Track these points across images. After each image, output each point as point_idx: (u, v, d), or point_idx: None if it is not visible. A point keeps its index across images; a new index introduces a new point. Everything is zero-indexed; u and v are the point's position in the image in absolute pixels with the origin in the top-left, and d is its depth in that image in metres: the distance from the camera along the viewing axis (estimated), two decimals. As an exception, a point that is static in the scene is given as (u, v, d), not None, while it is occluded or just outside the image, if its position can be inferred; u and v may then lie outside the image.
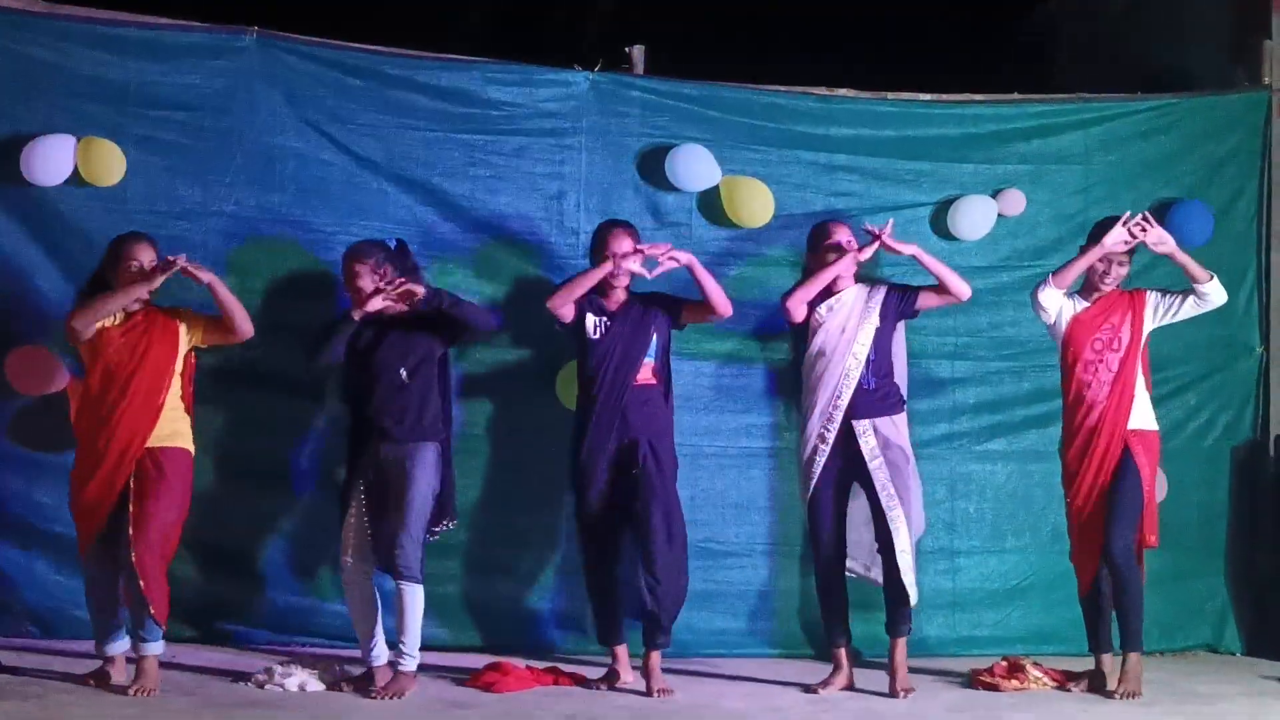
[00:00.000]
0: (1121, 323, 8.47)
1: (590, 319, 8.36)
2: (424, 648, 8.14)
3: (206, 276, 7.88)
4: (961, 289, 8.42)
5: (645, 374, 8.32)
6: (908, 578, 8.25)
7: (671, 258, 8.30)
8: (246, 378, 8.79)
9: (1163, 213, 9.61)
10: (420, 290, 8.02)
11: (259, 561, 8.94)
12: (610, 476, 8.27)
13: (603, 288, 8.41)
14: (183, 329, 7.91)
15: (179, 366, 7.90)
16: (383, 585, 8.12)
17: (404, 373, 8.05)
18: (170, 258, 7.81)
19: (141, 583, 7.66)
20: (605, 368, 8.29)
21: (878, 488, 8.25)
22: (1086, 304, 8.50)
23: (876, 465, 8.27)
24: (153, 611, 7.69)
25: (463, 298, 8.28)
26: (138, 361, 7.79)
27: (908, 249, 8.39)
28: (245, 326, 8.00)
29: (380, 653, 8.00)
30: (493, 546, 9.08)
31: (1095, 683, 8.43)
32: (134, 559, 7.65)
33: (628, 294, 8.43)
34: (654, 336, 8.34)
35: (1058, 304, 8.43)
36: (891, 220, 8.50)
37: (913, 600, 8.30)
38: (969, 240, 9.55)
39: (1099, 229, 8.49)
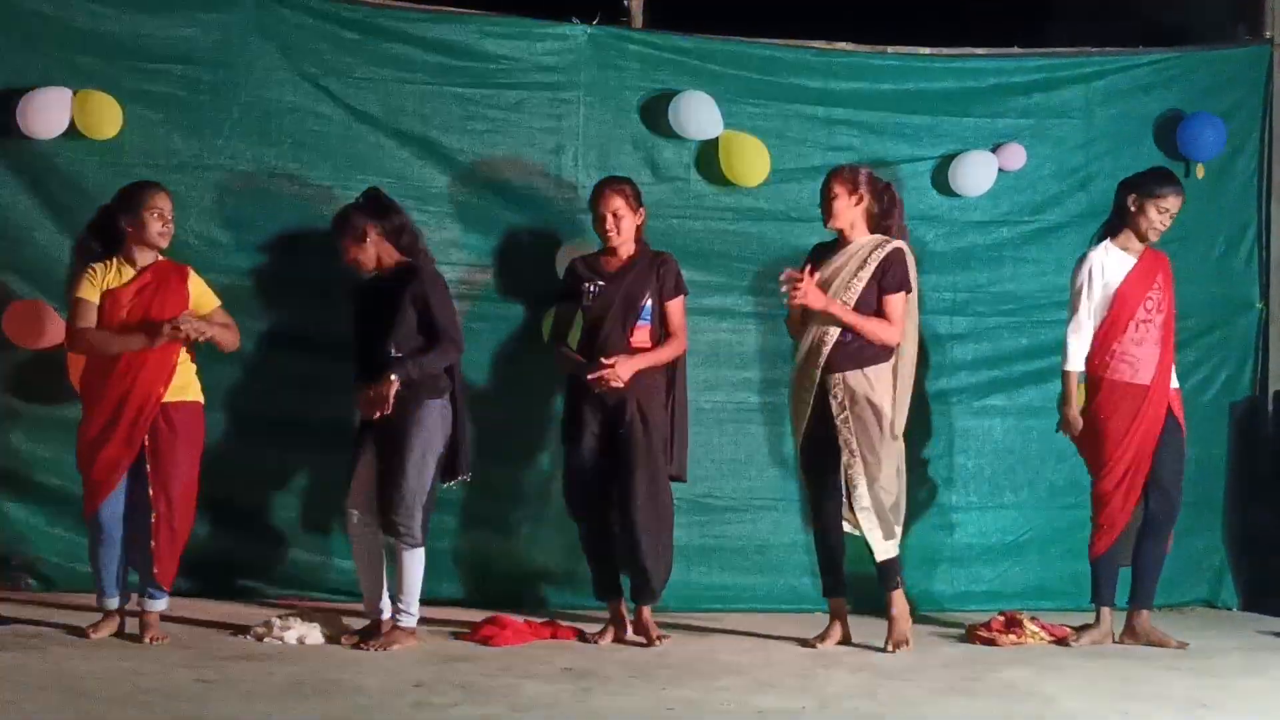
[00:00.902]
0: (1163, 284, 8.48)
1: (585, 285, 8.32)
2: (421, 602, 8.16)
3: (205, 336, 7.82)
4: (888, 340, 8.20)
5: (640, 337, 8.25)
6: (872, 535, 8.18)
7: (616, 382, 8.13)
8: (248, 333, 8.80)
9: (1173, 126, 9.62)
10: (395, 382, 7.89)
11: (267, 516, 8.94)
12: (601, 434, 8.25)
13: (604, 249, 8.36)
14: (192, 295, 7.89)
15: None
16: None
17: (393, 349, 8.00)
18: (177, 327, 7.72)
19: (153, 543, 7.72)
20: (598, 330, 8.26)
21: (840, 442, 8.19)
22: (1131, 258, 8.45)
23: (842, 420, 8.20)
24: (156, 573, 7.76)
25: (427, 355, 7.96)
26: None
27: (818, 305, 8.11)
28: (235, 346, 8.06)
29: (387, 605, 8.02)
30: (486, 501, 9.07)
31: (1101, 636, 8.47)
32: (153, 520, 7.72)
33: (635, 251, 8.33)
34: (648, 301, 8.27)
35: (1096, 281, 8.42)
36: (815, 274, 8.19)
37: (879, 556, 8.18)
38: (970, 196, 9.53)
39: (1127, 186, 8.46)
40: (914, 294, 8.30)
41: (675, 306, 8.30)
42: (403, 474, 7.91)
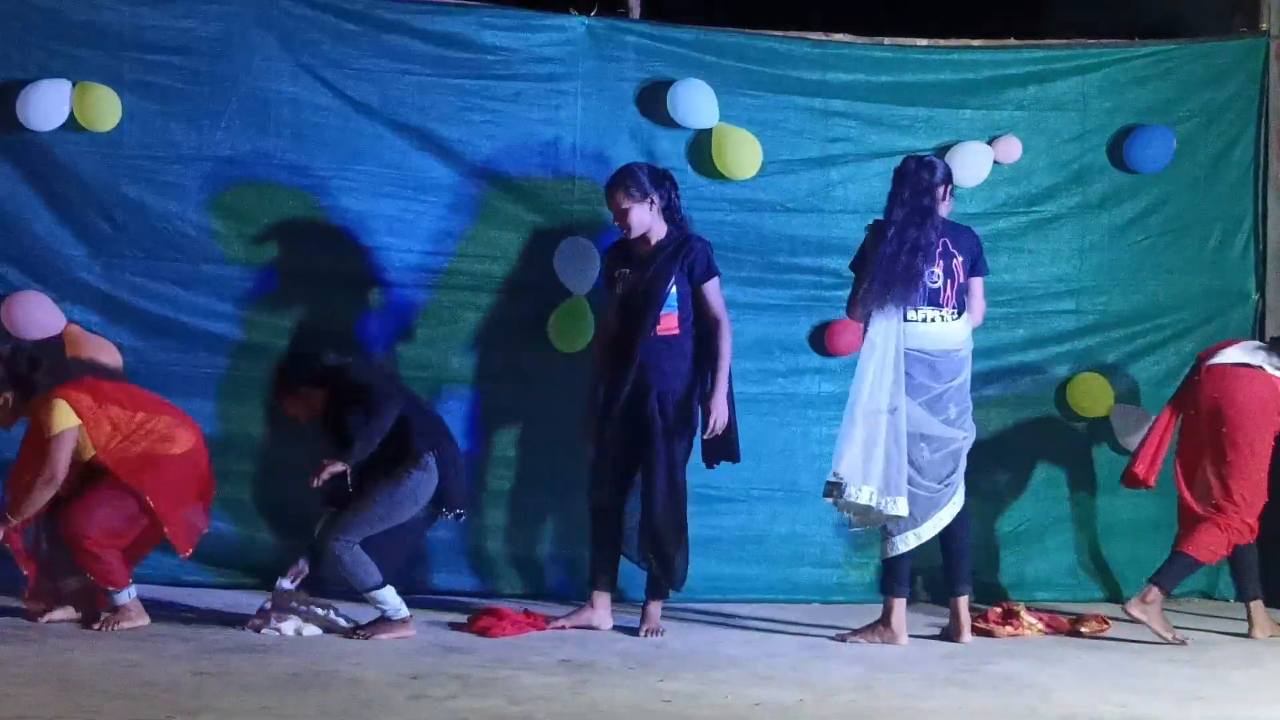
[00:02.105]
0: None
1: (616, 272, 8.36)
2: (423, 592, 8.17)
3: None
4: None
5: (667, 324, 8.24)
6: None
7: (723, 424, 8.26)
8: (247, 324, 8.82)
9: (1123, 138, 9.62)
10: (335, 467, 7.95)
11: (267, 509, 8.95)
12: (623, 420, 8.26)
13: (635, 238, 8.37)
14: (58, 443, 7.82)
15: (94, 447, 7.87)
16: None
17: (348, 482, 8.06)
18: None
19: (81, 561, 7.83)
20: (624, 318, 8.28)
21: None
22: None
23: None
24: (102, 587, 7.85)
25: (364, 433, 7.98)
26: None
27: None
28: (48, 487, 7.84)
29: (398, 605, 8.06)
30: (489, 492, 9.09)
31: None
32: (69, 544, 7.84)
33: (666, 235, 8.31)
34: (673, 288, 8.25)
35: None
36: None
37: None
38: (965, 187, 9.53)
39: None
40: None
41: (710, 289, 8.28)
42: (360, 510, 7.93)
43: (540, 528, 9.15)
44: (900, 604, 8.23)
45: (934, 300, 8.21)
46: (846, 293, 9.17)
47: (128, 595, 7.85)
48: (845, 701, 6.91)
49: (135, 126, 8.73)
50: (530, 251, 9.11)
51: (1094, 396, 9.50)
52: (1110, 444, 9.55)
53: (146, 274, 8.75)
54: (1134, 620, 8.37)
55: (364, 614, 8.10)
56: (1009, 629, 8.52)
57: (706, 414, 8.23)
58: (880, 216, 8.42)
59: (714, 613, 8.81)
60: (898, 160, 9.28)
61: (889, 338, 8.14)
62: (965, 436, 8.32)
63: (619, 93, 9.27)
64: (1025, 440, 9.59)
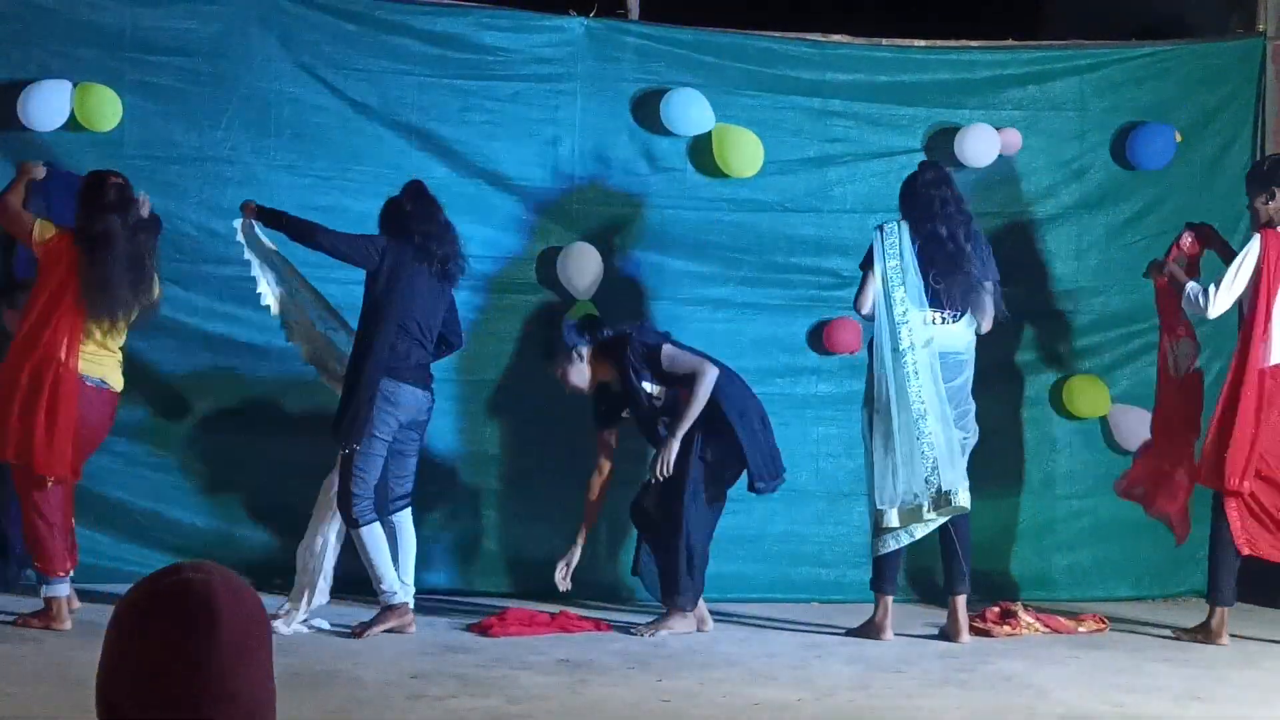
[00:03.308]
0: None
1: (622, 415, 8.47)
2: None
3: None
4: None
5: (670, 401, 8.30)
6: None
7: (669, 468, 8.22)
8: (246, 323, 8.84)
9: (1127, 134, 9.63)
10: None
11: (270, 508, 8.95)
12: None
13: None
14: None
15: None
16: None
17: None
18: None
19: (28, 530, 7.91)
20: (653, 430, 8.40)
21: None
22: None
23: None
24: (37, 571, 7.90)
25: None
26: None
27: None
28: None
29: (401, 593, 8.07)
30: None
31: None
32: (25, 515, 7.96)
33: (607, 367, 8.35)
34: (645, 385, 8.28)
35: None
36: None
37: None
38: (975, 167, 9.45)
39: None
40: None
41: (666, 358, 8.24)
42: (347, 460, 7.99)
43: (539, 528, 9.15)
44: (886, 601, 8.27)
45: (937, 302, 8.22)
46: (845, 293, 9.21)
47: (49, 589, 7.81)
48: (843, 701, 6.94)
49: (136, 127, 8.75)
50: (529, 251, 9.13)
51: (1091, 397, 9.51)
52: (1108, 444, 9.56)
53: (146, 274, 8.76)
54: None
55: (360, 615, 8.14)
56: (1007, 628, 8.54)
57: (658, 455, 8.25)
58: (881, 216, 8.43)
59: (712, 611, 8.77)
60: (896, 160, 9.38)
61: (924, 337, 8.17)
62: (965, 438, 8.34)
63: (618, 93, 9.30)
64: (1022, 440, 9.61)
